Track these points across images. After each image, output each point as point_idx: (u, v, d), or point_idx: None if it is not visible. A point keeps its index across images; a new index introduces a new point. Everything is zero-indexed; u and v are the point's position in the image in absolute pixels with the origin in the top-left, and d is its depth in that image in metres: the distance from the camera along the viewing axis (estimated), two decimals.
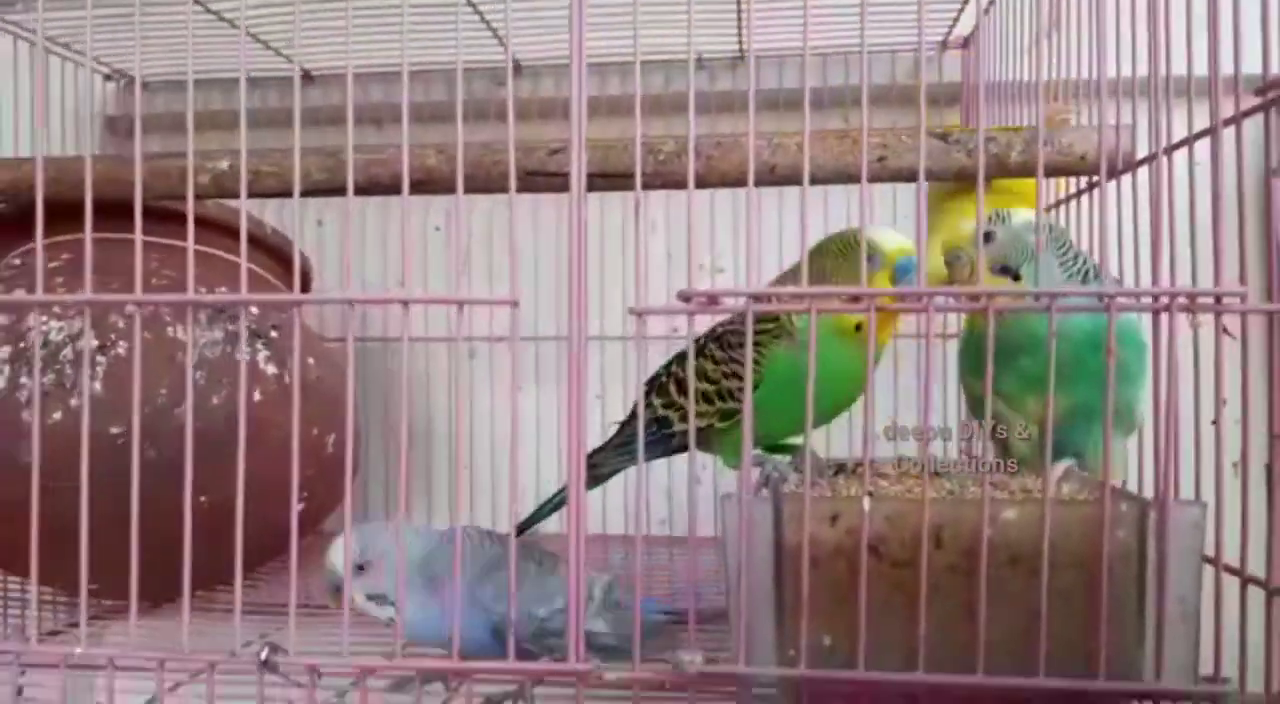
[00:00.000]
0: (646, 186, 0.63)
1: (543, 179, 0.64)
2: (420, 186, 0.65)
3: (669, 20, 0.76)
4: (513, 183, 0.45)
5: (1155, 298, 0.41)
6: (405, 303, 0.46)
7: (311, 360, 0.80)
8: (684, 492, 0.76)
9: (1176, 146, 0.50)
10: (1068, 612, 0.41)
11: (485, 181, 0.64)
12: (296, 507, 0.75)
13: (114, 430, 0.67)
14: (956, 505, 0.42)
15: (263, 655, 0.46)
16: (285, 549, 0.77)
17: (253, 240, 0.83)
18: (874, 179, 0.63)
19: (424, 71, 0.89)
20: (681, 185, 0.64)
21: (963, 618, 0.41)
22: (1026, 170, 0.61)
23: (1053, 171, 0.62)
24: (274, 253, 0.85)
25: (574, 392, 0.43)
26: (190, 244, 0.57)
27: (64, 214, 0.61)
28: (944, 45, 0.95)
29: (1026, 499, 0.44)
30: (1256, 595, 0.45)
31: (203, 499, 0.58)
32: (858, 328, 0.54)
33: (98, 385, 0.69)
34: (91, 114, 1.09)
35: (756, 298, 0.42)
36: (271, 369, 0.75)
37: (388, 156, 0.66)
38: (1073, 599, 0.41)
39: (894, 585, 0.42)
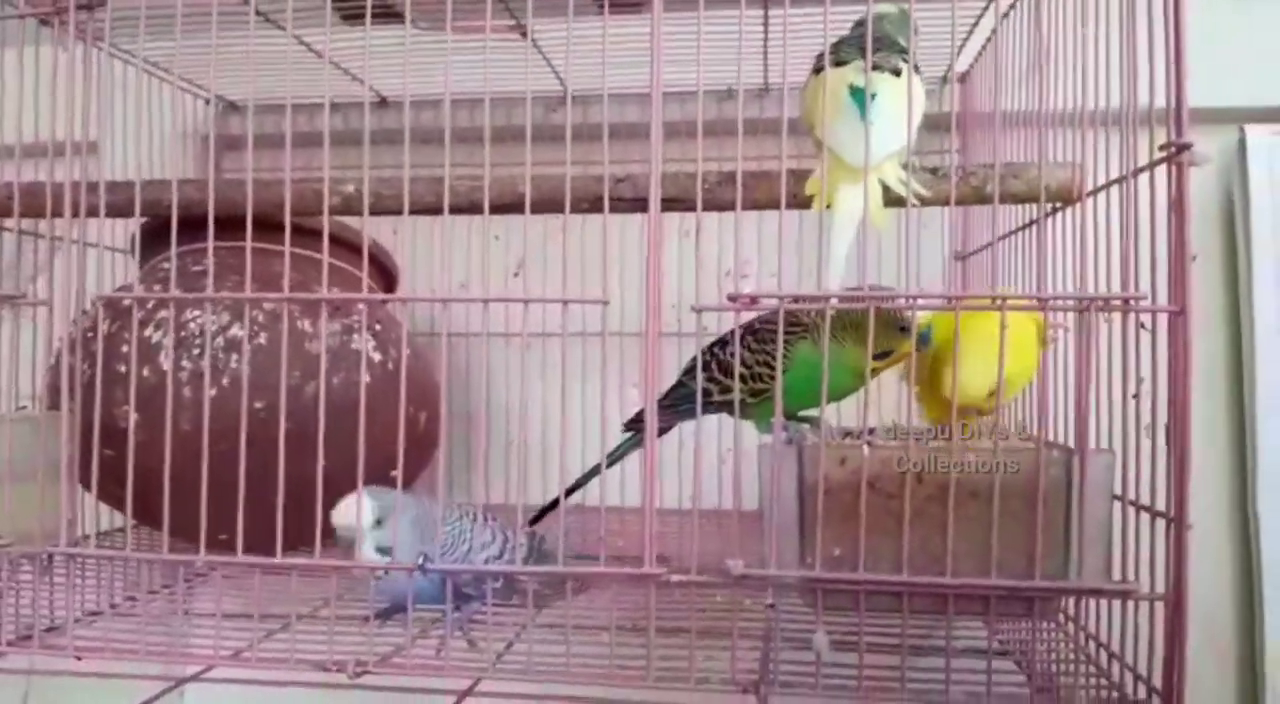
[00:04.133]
0: (689, 210, 0.77)
1: (612, 203, 0.79)
2: (506, 208, 0.80)
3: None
4: (606, 204, 0.61)
5: (1080, 300, 0.55)
6: (525, 302, 0.61)
7: (408, 350, 0.95)
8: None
9: (1103, 188, 0.65)
10: (1014, 531, 0.56)
11: (561, 204, 0.79)
12: (392, 473, 0.92)
13: (257, 405, 0.82)
14: (933, 452, 0.57)
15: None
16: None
17: (353, 248, 0.98)
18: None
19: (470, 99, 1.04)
20: (722, 208, 0.79)
21: (937, 536, 0.56)
22: (1002, 198, 0.76)
23: (1020, 200, 0.76)
24: (370, 258, 1.01)
25: (649, 373, 0.58)
26: (324, 255, 0.73)
27: (195, 225, 0.76)
28: (944, 81, 1.09)
29: (983, 447, 0.59)
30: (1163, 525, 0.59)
31: (324, 463, 0.73)
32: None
33: (245, 367, 0.84)
34: (192, 134, 1.25)
35: (789, 300, 0.57)
36: (378, 356, 0.91)
37: (481, 183, 0.81)
38: (1018, 521, 0.56)
39: (886, 512, 0.57)
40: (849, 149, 0.65)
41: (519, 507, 0.67)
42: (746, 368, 0.74)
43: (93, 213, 0.78)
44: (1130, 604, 0.56)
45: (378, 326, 0.93)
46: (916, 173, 0.73)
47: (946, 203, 0.77)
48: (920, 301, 0.57)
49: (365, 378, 0.88)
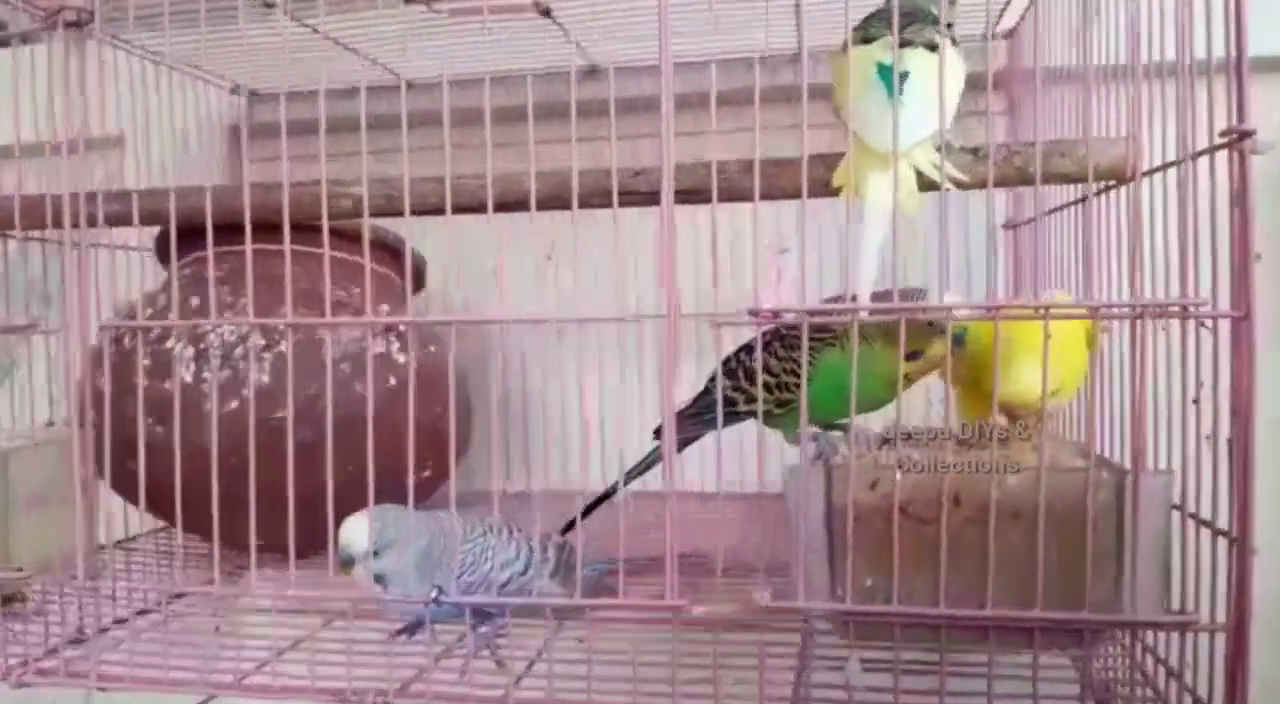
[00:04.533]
0: (706, 202, 0.73)
1: (626, 197, 0.75)
2: (519, 206, 0.77)
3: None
4: (615, 198, 0.57)
5: (1133, 307, 0.51)
6: (536, 322, 0.58)
7: (433, 348, 0.93)
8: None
9: (1158, 170, 0.59)
10: (1060, 558, 0.52)
11: (581, 199, 0.75)
12: (424, 474, 0.90)
13: (278, 415, 0.81)
14: (971, 474, 0.53)
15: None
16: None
17: (374, 243, 0.96)
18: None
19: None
20: (743, 198, 0.75)
21: (976, 563, 0.52)
22: (1046, 179, 0.70)
23: (1069, 180, 0.71)
24: (391, 250, 0.98)
25: (668, 368, 0.55)
26: (364, 260, 0.70)
27: (220, 229, 0.74)
28: (990, 37, 1.03)
29: (1026, 468, 0.55)
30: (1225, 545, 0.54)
31: (349, 468, 0.71)
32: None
33: (265, 378, 0.82)
34: (219, 124, 1.23)
35: (811, 313, 0.53)
36: (402, 358, 0.88)
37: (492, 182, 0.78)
38: (1064, 547, 0.52)
39: (920, 538, 0.53)
40: (876, 134, 0.61)
41: (535, 506, 0.65)
42: (772, 376, 0.70)
43: (94, 223, 0.76)
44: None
45: (401, 328, 0.91)
46: (954, 154, 0.68)
47: (985, 185, 0.72)
48: (956, 312, 0.52)
49: (391, 381, 0.87)
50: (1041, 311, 0.51)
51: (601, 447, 0.99)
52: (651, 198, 0.75)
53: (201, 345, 0.83)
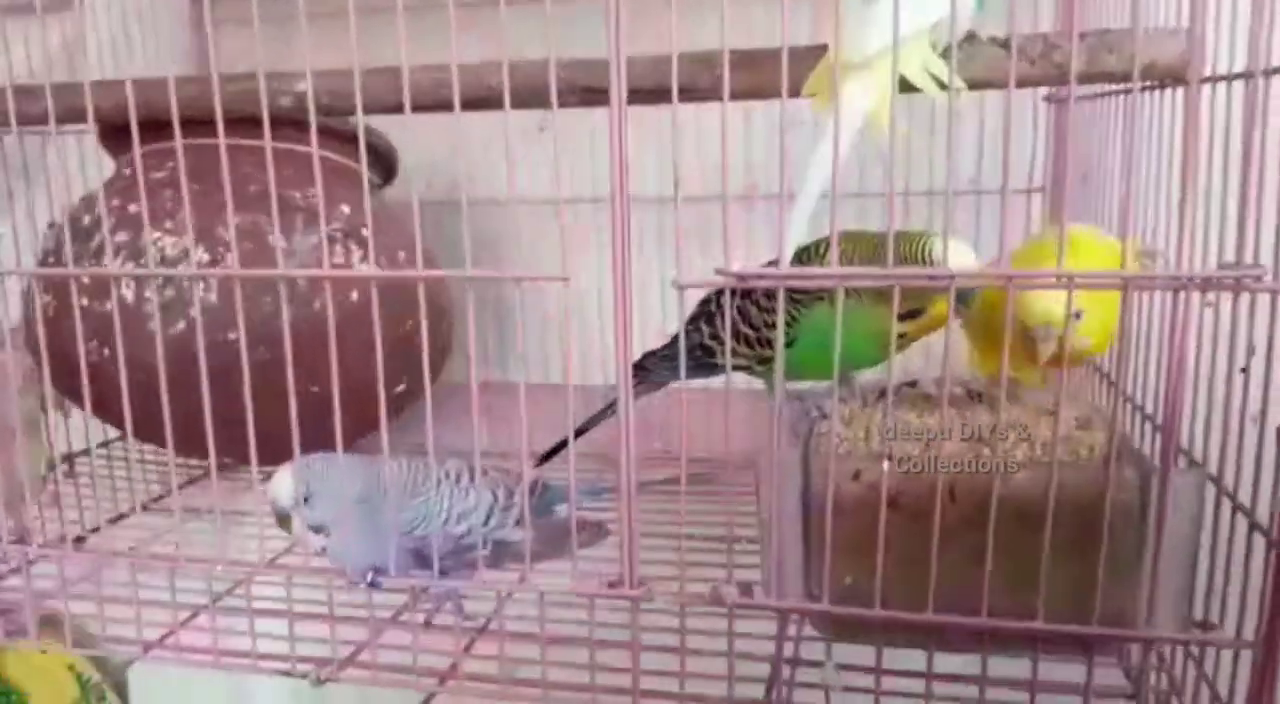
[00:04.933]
0: (699, 101, 0.63)
1: (596, 94, 0.65)
2: (481, 104, 0.67)
3: None
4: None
5: (1174, 279, 0.42)
6: (471, 277, 0.50)
7: (402, 254, 0.85)
8: None
9: (1219, 79, 0.49)
10: (1070, 562, 0.45)
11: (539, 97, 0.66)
12: (397, 389, 0.84)
13: (231, 337, 0.74)
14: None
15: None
16: (367, 431, 0.86)
17: (327, 132, 0.86)
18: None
19: None
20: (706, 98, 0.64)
21: (973, 565, 0.46)
22: (1088, 78, 0.59)
23: (1114, 79, 0.60)
24: (351, 140, 0.88)
25: (621, 351, 0.48)
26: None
27: (167, 123, 0.64)
28: None
29: (1034, 461, 0.47)
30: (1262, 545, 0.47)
31: (314, 389, 0.66)
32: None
33: (212, 297, 0.76)
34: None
35: (786, 278, 0.45)
36: (365, 268, 0.81)
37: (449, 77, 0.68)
38: (1075, 553, 0.45)
39: (910, 534, 0.47)
40: (848, 36, 0.50)
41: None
42: (753, 329, 0.62)
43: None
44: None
45: (364, 231, 0.82)
46: (976, 47, 0.57)
47: (1020, 84, 0.61)
48: (964, 280, 0.44)
49: (354, 295, 0.79)
50: (1064, 279, 0.42)
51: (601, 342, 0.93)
52: (600, 96, 0.65)
53: (142, 260, 0.76)
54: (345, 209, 0.82)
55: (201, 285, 0.75)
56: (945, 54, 0.51)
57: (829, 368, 0.48)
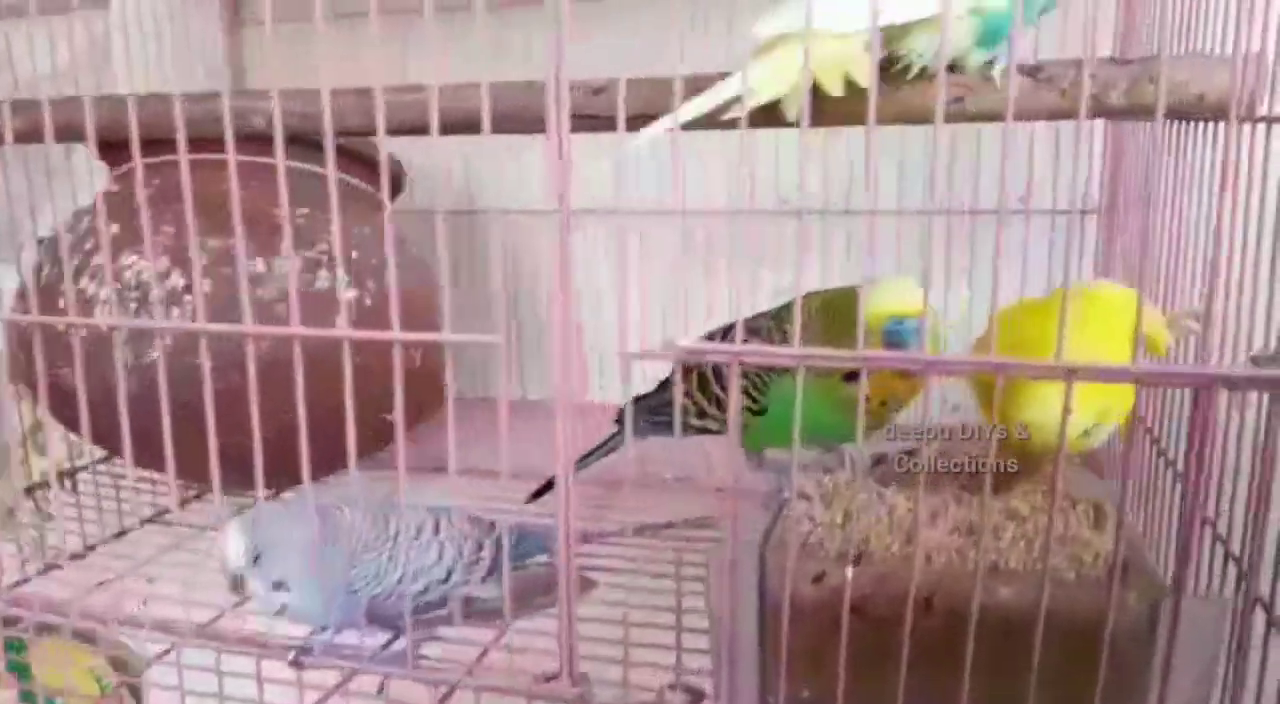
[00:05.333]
0: (691, 128, 0.58)
1: (586, 121, 0.60)
2: (456, 128, 0.62)
3: None
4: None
5: (1196, 376, 0.35)
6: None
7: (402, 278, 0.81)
8: None
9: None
10: (1062, 696, 0.39)
11: (526, 123, 0.60)
12: (386, 417, 0.79)
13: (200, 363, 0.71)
14: (946, 577, 0.40)
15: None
16: (365, 455, 0.82)
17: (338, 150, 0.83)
18: (950, 120, 0.55)
19: None
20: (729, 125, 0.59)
21: (948, 687, 0.40)
22: (1129, 112, 0.52)
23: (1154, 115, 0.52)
24: (355, 155, 0.85)
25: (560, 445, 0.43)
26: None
27: (159, 139, 0.61)
28: None
29: (1024, 574, 0.41)
30: None
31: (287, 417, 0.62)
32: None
33: (186, 322, 0.72)
34: None
35: (739, 356, 0.39)
36: (350, 293, 0.77)
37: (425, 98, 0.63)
38: (1068, 684, 0.38)
39: (878, 646, 0.40)
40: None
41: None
42: (708, 391, 0.56)
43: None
44: None
45: (354, 254, 0.78)
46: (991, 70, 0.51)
47: (1051, 117, 0.54)
48: (942, 368, 0.37)
49: (337, 322, 0.76)
50: (1063, 371, 0.36)
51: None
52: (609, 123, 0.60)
53: (118, 283, 0.73)
54: (330, 234, 0.78)
55: (176, 311, 0.72)
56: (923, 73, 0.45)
57: (808, 439, 0.42)
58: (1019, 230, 0.92)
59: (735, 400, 0.39)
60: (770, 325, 0.53)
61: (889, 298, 0.49)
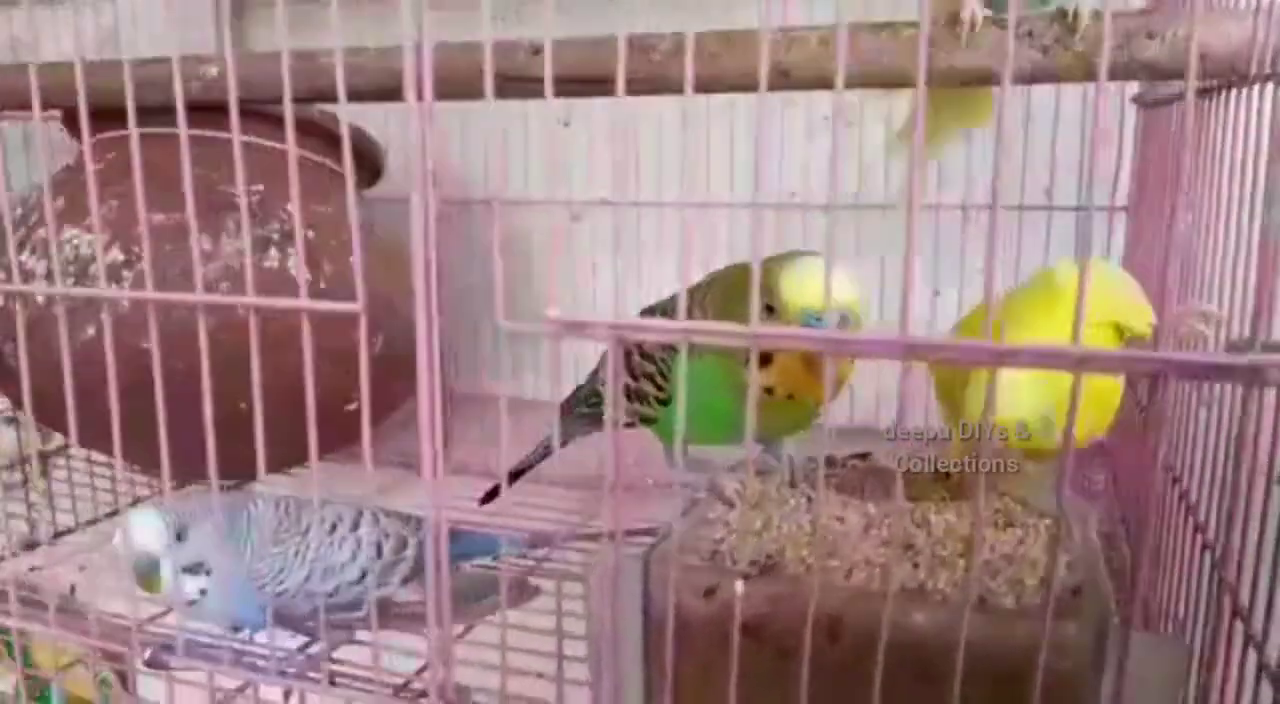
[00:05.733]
0: (637, 93, 0.53)
1: (524, 85, 0.55)
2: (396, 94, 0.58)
3: None
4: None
5: (1149, 362, 0.28)
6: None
7: (354, 258, 0.76)
8: None
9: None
10: None
11: (465, 87, 0.56)
12: (348, 407, 0.75)
13: (144, 346, 0.68)
14: (859, 598, 0.33)
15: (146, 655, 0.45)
16: (330, 450, 0.78)
17: (300, 125, 0.79)
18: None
19: None
20: (679, 90, 0.53)
21: None
22: (1126, 72, 0.45)
23: (1160, 76, 0.45)
24: (328, 137, 0.81)
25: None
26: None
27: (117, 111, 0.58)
28: None
29: (949, 599, 0.34)
30: None
31: (241, 406, 0.57)
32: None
33: (124, 302, 0.69)
34: None
35: (615, 328, 0.33)
36: (306, 274, 0.73)
37: (364, 62, 0.59)
38: None
39: (777, 678, 0.34)
40: None
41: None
42: (634, 380, 0.50)
43: None
44: None
45: (310, 234, 0.74)
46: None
47: (1034, 79, 0.47)
48: (848, 345, 0.31)
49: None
50: (988, 352, 0.29)
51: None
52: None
53: (60, 257, 0.70)
54: (291, 209, 0.75)
55: (113, 288, 0.69)
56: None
57: (717, 431, 0.37)
58: (1040, 227, 0.86)
59: (614, 379, 0.34)
60: (690, 303, 0.47)
61: (809, 285, 0.43)
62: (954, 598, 0.33)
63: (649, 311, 0.49)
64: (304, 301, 0.40)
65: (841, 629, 0.33)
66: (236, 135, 0.49)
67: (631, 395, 0.50)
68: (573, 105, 0.97)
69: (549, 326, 0.35)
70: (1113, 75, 0.46)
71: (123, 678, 0.91)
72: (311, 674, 0.45)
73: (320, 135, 0.80)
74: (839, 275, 0.39)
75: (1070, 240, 0.86)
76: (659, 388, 0.48)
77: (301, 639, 0.58)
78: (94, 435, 0.63)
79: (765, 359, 0.44)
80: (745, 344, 0.31)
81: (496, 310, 0.36)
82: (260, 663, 0.48)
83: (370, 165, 0.86)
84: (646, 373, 0.49)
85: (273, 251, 0.72)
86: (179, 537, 0.52)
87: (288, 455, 0.73)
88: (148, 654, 0.47)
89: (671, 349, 0.46)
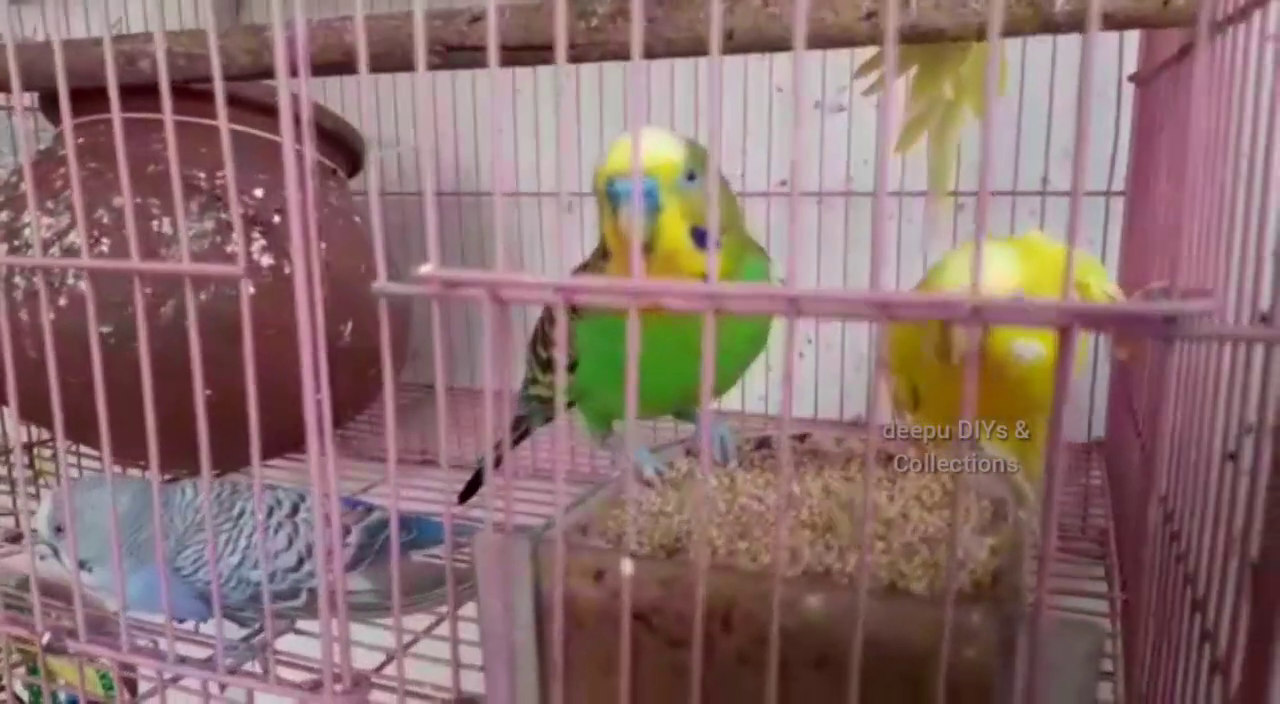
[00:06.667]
0: (578, 59, 0.50)
1: (465, 54, 0.53)
2: (339, 68, 0.56)
3: None
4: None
5: (1050, 313, 0.25)
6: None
7: (322, 244, 0.75)
8: None
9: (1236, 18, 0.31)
10: None
11: (402, 59, 0.54)
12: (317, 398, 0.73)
13: (103, 330, 0.67)
14: (750, 580, 0.30)
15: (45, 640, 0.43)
16: (294, 447, 0.76)
17: (268, 110, 0.78)
18: (865, 42, 0.46)
19: None
20: (622, 55, 0.51)
21: None
22: (1076, 23, 0.42)
23: (1121, 24, 0.42)
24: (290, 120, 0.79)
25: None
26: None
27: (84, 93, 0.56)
28: None
29: (834, 587, 0.31)
30: None
31: (207, 393, 0.56)
32: None
33: (81, 285, 0.68)
34: None
35: (492, 285, 0.31)
36: (267, 260, 0.71)
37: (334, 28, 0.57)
38: None
39: (671, 668, 0.32)
40: None
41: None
42: (544, 348, 0.47)
43: None
44: None
45: (275, 218, 0.73)
46: None
47: (980, 36, 0.44)
48: (735, 303, 0.28)
49: (249, 289, 0.70)
50: (863, 302, 0.26)
51: None
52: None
53: (16, 242, 0.69)
54: (259, 193, 0.73)
55: (71, 272, 0.68)
56: None
57: (623, 398, 0.34)
58: (1035, 213, 0.82)
59: (492, 343, 0.31)
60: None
61: (617, 151, 0.38)
62: (858, 582, 0.30)
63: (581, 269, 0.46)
64: (186, 265, 0.37)
65: (733, 616, 0.30)
66: (169, 114, 0.48)
67: (548, 367, 0.47)
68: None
69: (427, 285, 0.32)
70: (1071, 26, 0.42)
71: (130, 685, 0.91)
72: (225, 664, 0.43)
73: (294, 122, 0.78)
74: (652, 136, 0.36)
75: (1063, 227, 0.82)
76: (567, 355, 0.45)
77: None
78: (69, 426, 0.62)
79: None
80: (624, 303, 0.29)
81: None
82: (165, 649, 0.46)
83: (350, 156, 0.85)
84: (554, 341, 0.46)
85: (229, 235, 0.71)
86: (58, 529, 0.51)
87: (267, 445, 0.71)
88: (46, 638, 0.45)
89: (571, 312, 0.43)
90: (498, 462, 0.55)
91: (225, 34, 0.59)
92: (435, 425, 0.88)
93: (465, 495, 0.67)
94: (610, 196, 0.37)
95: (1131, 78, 0.74)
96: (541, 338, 0.47)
